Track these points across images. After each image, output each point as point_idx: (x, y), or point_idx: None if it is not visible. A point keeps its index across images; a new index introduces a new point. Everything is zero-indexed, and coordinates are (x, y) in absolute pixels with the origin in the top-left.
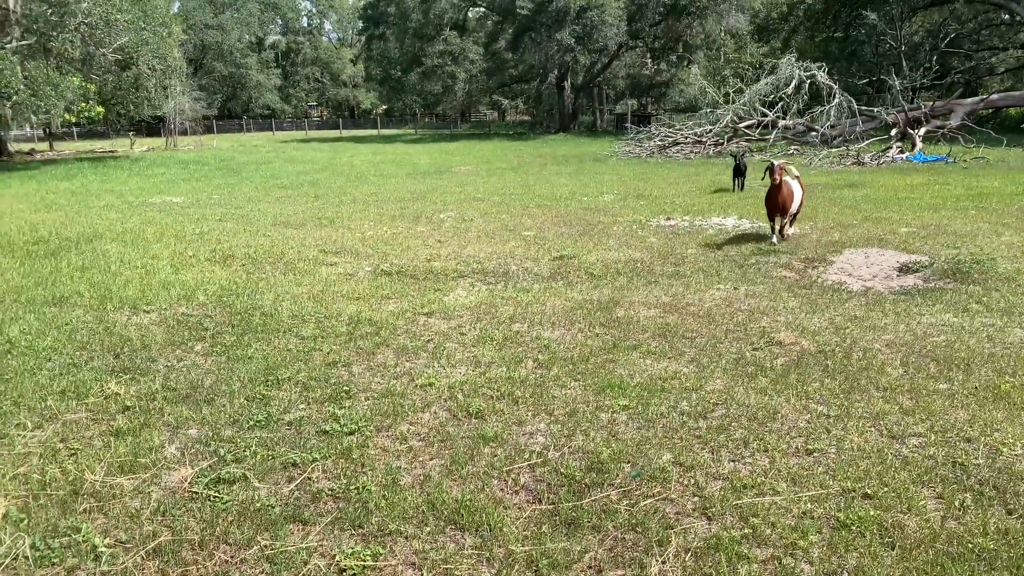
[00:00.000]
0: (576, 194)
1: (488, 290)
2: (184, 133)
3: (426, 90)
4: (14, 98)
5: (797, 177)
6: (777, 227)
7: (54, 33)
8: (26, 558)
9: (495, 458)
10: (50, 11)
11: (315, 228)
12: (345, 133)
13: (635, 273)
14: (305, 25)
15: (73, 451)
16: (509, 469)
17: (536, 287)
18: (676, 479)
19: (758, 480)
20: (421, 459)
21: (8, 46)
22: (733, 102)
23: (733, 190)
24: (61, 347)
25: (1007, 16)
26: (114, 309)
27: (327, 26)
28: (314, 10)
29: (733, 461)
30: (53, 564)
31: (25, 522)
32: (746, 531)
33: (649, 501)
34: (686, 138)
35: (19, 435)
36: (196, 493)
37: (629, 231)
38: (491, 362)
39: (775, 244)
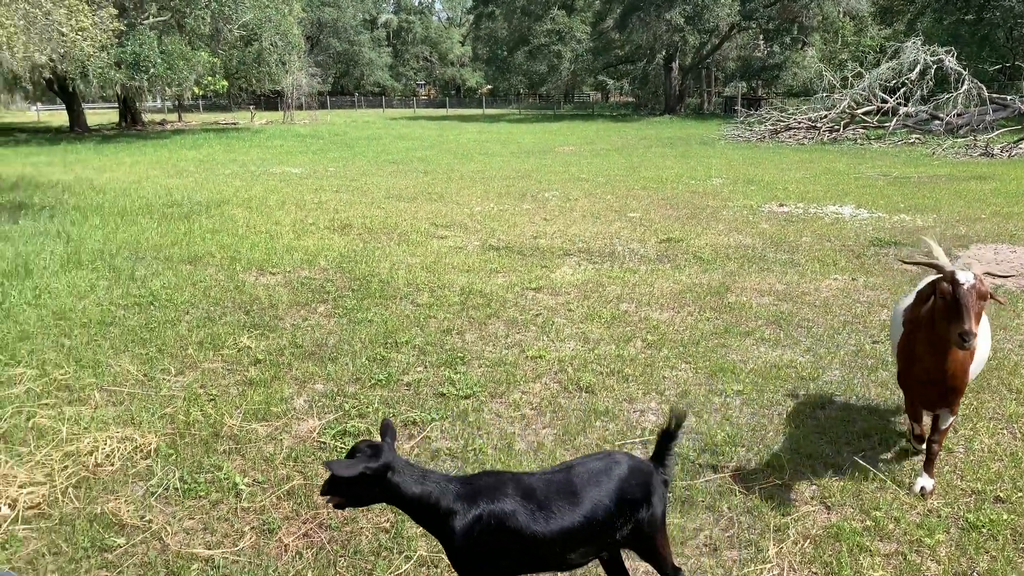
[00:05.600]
0: (683, 177)
1: (594, 269)
2: (300, 108)
3: (531, 70)
4: (151, 71)
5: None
6: (926, 427)
7: (187, 10)
8: (176, 489)
9: (607, 431)
10: None
11: (426, 202)
12: (451, 112)
13: (746, 259)
14: (417, 4)
15: (212, 397)
16: (621, 443)
17: (643, 268)
18: (793, 467)
19: (880, 475)
20: (534, 427)
21: (146, 22)
22: (851, 87)
23: None
24: (197, 302)
25: None
26: (243, 270)
27: (437, 5)
28: None
29: (853, 453)
30: (199, 497)
31: (173, 457)
32: (868, 524)
33: (766, 486)
34: (799, 123)
35: (164, 379)
36: (324, 443)
37: (739, 216)
38: (599, 339)
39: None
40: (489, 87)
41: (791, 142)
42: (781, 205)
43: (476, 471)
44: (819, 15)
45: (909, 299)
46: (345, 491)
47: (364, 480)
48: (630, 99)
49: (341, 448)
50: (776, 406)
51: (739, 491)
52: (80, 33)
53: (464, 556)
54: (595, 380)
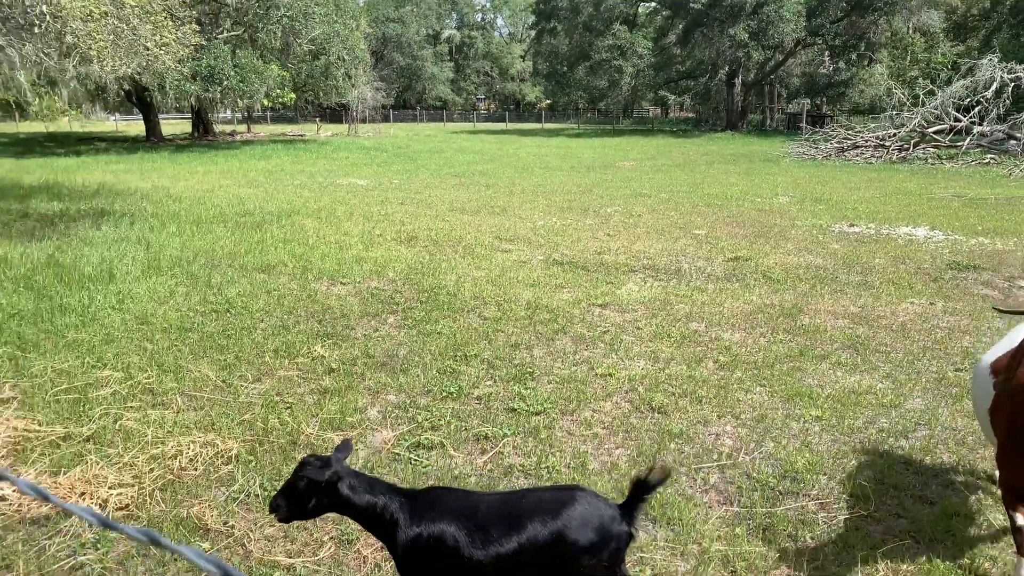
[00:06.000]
0: (748, 194)
1: (661, 286)
2: (364, 121)
3: (592, 85)
4: (225, 83)
5: None
6: None
7: (260, 25)
8: (257, 496)
9: (682, 455)
10: (257, 4)
11: (488, 215)
12: (510, 126)
13: (818, 280)
14: (479, 20)
15: (288, 405)
16: (698, 467)
17: (711, 287)
18: (879, 498)
19: (972, 509)
20: (607, 447)
21: (220, 36)
22: (923, 104)
23: None
24: (271, 310)
25: None
26: (314, 279)
27: (499, 21)
28: (488, 5)
29: (942, 487)
30: None
31: (253, 464)
32: (963, 561)
33: (851, 517)
34: (867, 141)
35: (242, 386)
36: (399, 455)
37: (808, 235)
38: (670, 359)
39: None
40: (548, 101)
41: (858, 160)
42: (851, 225)
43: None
44: (888, 31)
45: (997, 352)
46: (295, 503)
47: (318, 490)
48: (690, 115)
49: (415, 460)
50: (857, 433)
51: (823, 520)
52: (163, 48)
53: (406, 569)
54: (667, 401)
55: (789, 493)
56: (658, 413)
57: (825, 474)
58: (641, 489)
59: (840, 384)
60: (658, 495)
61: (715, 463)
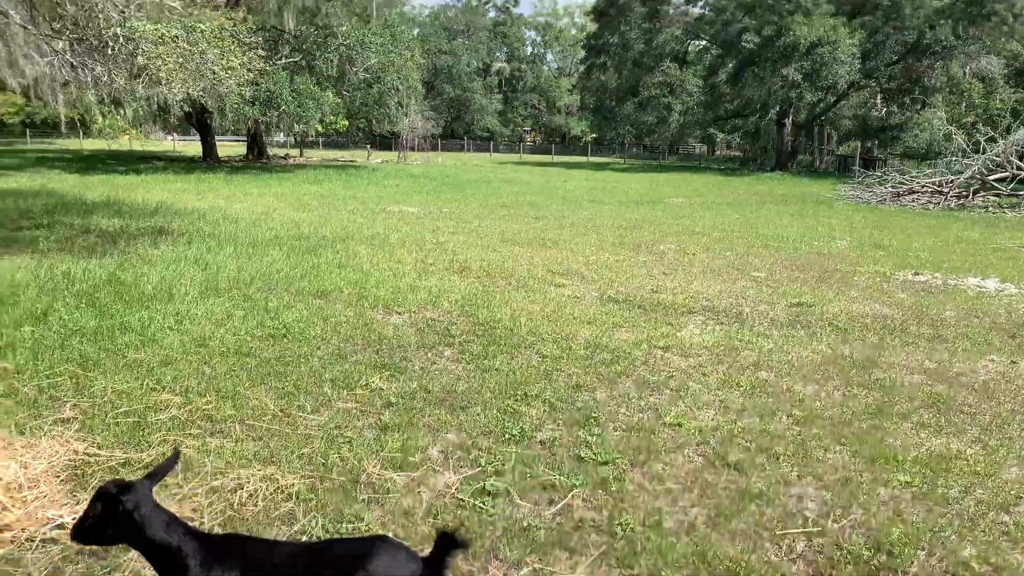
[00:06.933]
0: (805, 237)
1: (723, 330)
2: (413, 149)
3: (640, 120)
4: (283, 107)
5: None
6: None
7: (317, 52)
8: (318, 538)
9: (764, 518)
10: (316, 32)
11: (540, 248)
12: (556, 158)
13: (887, 331)
14: (529, 54)
15: (348, 440)
16: (783, 534)
17: (775, 333)
18: None
19: None
20: (681, 504)
21: (280, 62)
22: (984, 151)
23: None
24: (328, 337)
25: None
26: (369, 307)
27: (549, 56)
28: (539, 40)
29: None
30: None
31: (314, 502)
32: None
33: None
34: (923, 186)
35: (300, 416)
36: (463, 501)
37: (872, 283)
38: (741, 410)
39: None
40: (594, 135)
41: (914, 206)
42: (916, 274)
43: (628, 551)
44: (944, 76)
45: None
46: (92, 528)
47: (113, 516)
48: (736, 153)
49: (480, 508)
50: (953, 504)
51: None
52: (229, 72)
53: None
54: (743, 457)
55: (885, 568)
56: (734, 470)
57: (923, 549)
58: (447, 544)
59: (926, 447)
60: (742, 563)
61: (801, 529)
